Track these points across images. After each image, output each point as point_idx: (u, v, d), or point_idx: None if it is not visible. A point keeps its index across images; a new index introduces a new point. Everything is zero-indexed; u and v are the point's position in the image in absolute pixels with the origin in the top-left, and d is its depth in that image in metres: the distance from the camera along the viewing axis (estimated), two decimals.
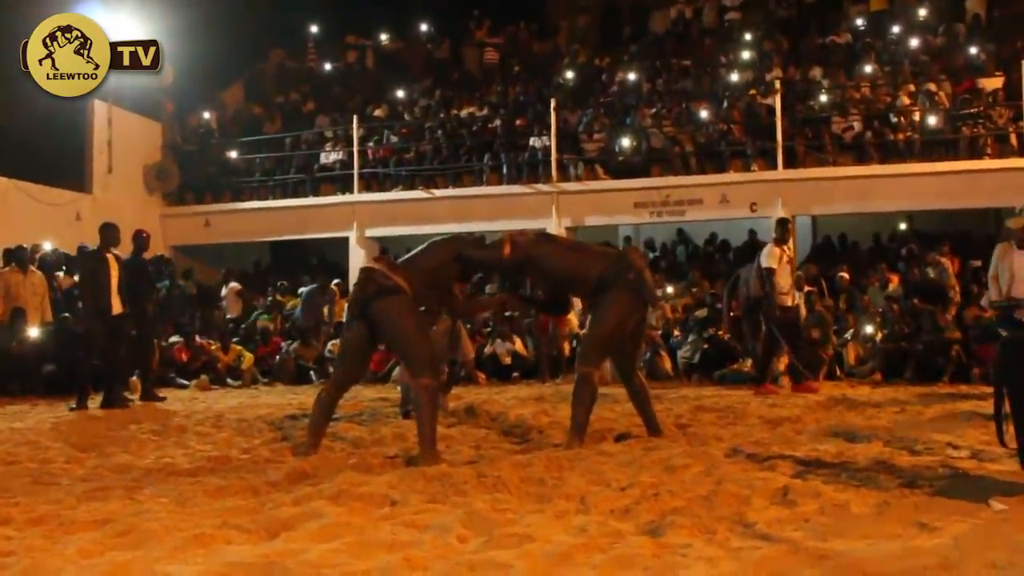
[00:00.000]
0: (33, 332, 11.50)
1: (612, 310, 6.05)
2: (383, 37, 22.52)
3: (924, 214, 16.37)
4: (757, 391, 9.68)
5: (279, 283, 16.80)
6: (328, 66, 22.02)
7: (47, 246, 14.31)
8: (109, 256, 9.77)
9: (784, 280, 9.83)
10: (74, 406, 9.45)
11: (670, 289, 14.99)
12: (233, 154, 18.83)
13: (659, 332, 12.96)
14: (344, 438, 6.62)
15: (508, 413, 7.94)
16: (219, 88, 21.01)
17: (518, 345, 13.04)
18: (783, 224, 10.38)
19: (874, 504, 3.96)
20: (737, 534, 3.54)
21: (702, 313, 12.84)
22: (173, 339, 13.31)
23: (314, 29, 22.84)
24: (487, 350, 12.90)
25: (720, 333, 12.11)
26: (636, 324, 6.26)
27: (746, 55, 17.98)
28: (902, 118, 15.25)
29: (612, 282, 6.03)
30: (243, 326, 15.12)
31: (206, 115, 19.78)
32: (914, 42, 17.19)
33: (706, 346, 12.14)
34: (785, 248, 10.03)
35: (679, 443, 5.95)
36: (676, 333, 13.04)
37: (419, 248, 6.17)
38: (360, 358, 5.98)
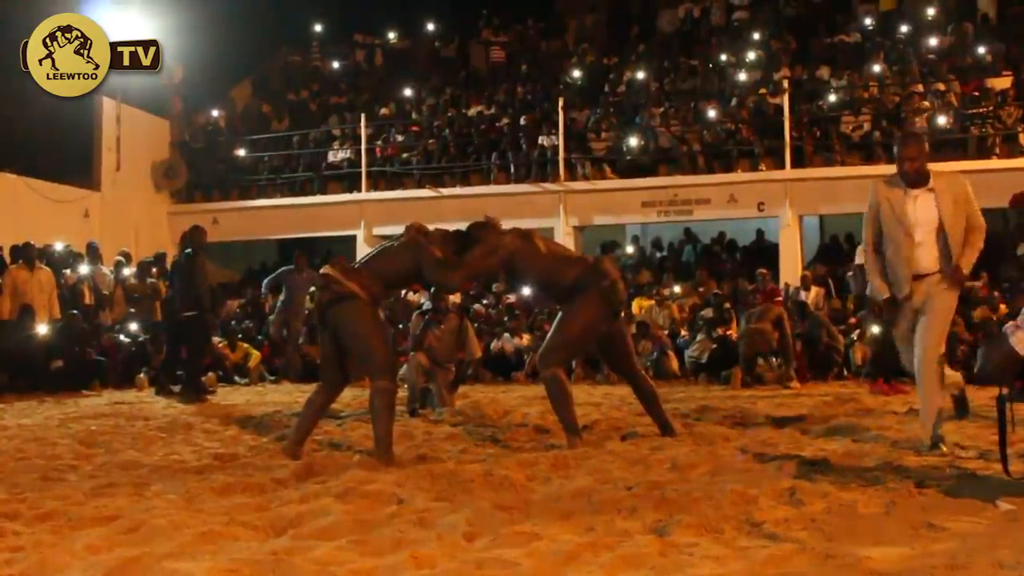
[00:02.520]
0: (41, 329, 11.55)
1: (580, 315, 5.99)
2: (391, 35, 22.54)
3: None
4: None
5: None
6: (336, 64, 22.04)
7: (58, 246, 14.33)
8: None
9: None
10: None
11: (677, 288, 14.98)
12: (241, 152, 18.88)
13: (666, 332, 12.95)
14: (350, 436, 6.63)
15: (514, 412, 7.94)
16: (227, 86, 21.07)
17: (525, 340, 13.01)
18: None
19: (881, 504, 3.95)
20: (744, 533, 3.54)
21: (709, 313, 12.82)
22: None
23: (322, 28, 22.89)
24: (494, 346, 12.88)
25: (728, 333, 12.09)
26: (608, 329, 6.13)
27: (754, 54, 17.95)
28: (911, 118, 15.21)
29: (585, 288, 5.97)
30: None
31: (214, 113, 19.83)
32: (924, 41, 17.14)
33: (714, 346, 12.12)
34: None
35: (686, 442, 5.94)
36: (683, 333, 13.02)
37: (384, 247, 6.00)
38: (335, 363, 5.81)
